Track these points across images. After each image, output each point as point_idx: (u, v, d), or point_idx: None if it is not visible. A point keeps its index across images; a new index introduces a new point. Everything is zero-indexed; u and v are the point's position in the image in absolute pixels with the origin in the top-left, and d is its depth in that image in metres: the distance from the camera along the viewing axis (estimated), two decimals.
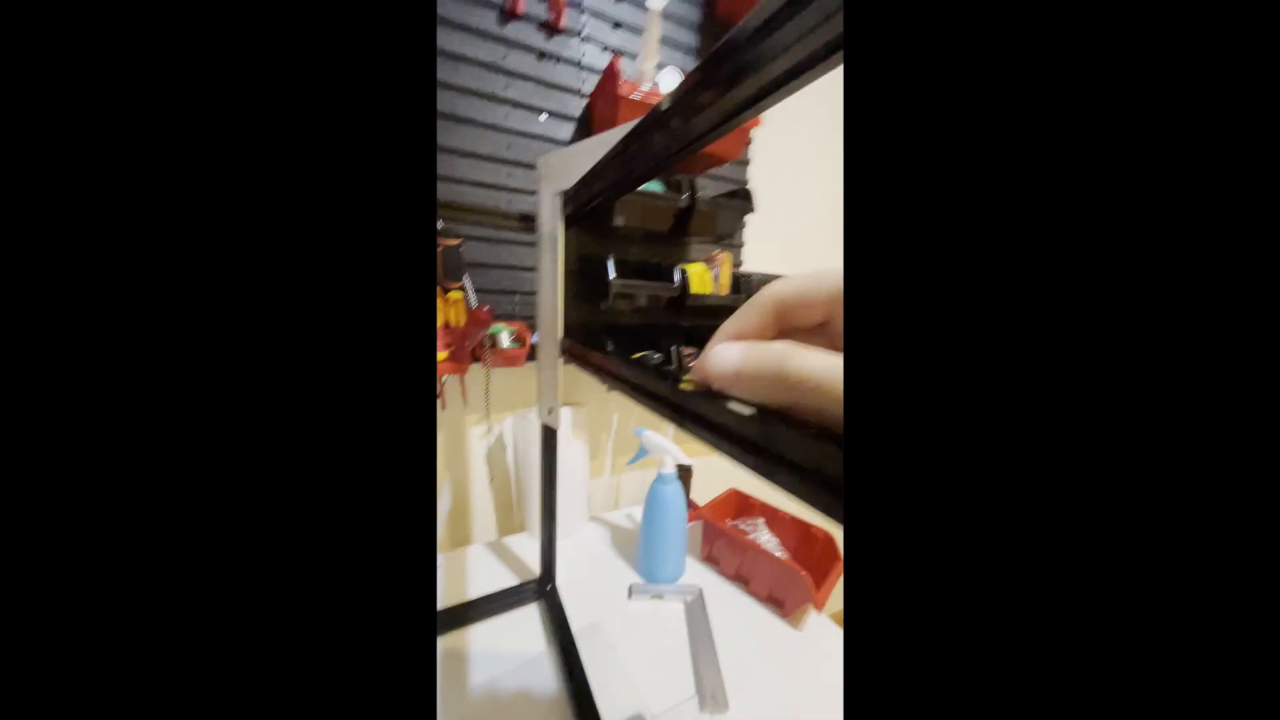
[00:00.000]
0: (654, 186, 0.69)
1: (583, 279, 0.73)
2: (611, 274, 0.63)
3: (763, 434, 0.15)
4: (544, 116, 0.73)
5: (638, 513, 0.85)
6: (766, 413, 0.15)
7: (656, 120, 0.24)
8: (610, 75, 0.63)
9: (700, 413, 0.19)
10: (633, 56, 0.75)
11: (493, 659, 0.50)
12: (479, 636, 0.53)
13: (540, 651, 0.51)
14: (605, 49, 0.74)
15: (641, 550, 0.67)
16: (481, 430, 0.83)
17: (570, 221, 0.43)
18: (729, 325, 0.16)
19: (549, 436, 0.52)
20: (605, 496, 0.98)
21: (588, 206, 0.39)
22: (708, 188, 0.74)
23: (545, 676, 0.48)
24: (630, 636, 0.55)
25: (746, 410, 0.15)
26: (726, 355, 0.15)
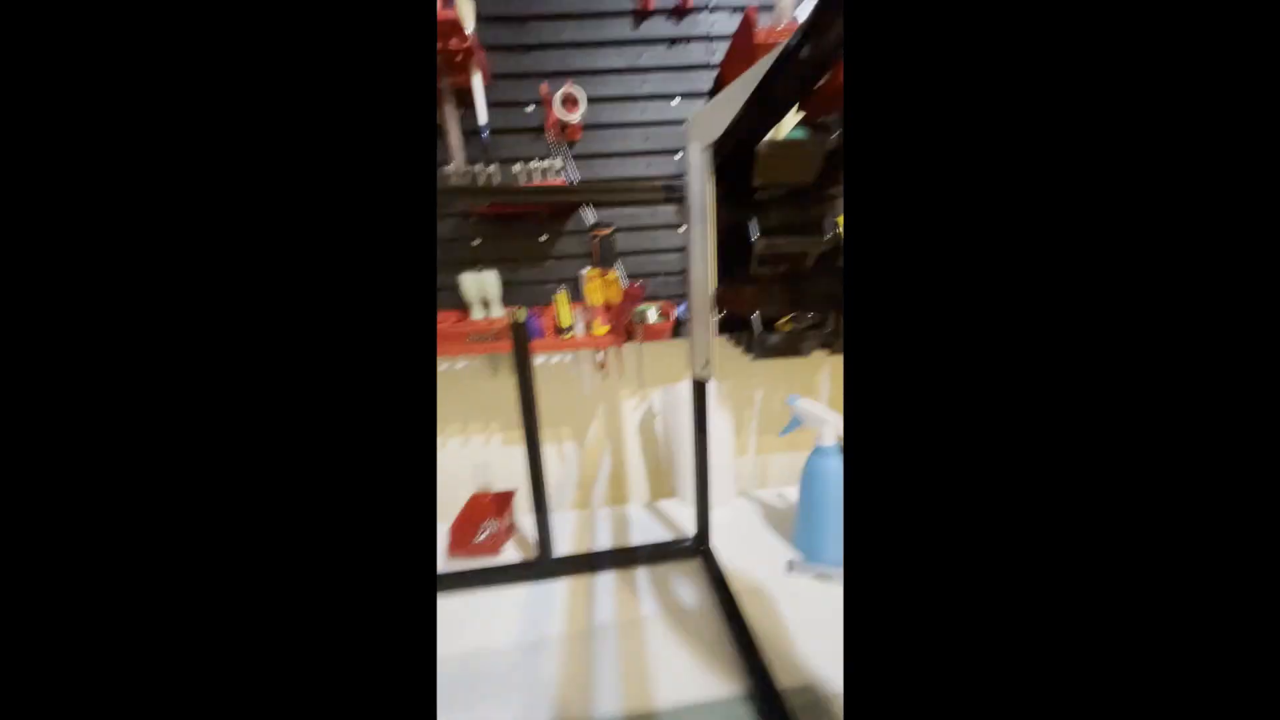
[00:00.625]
0: (798, 134, 0.63)
1: (725, 254, 0.73)
2: (754, 233, 0.61)
3: None
4: (675, 100, 0.76)
5: (789, 492, 0.80)
6: None
7: (792, 47, 0.22)
8: (745, 27, 0.61)
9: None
10: (769, 9, 0.71)
11: (659, 598, 0.55)
12: (644, 577, 0.59)
13: (702, 601, 0.54)
14: (735, 10, 0.73)
15: (799, 527, 0.63)
16: (634, 402, 0.92)
17: (717, 180, 0.44)
18: None
19: (701, 394, 0.54)
20: (751, 475, 0.95)
21: (733, 158, 0.39)
22: None
23: (706, 625, 0.50)
24: (795, 608, 0.52)
25: None
26: None
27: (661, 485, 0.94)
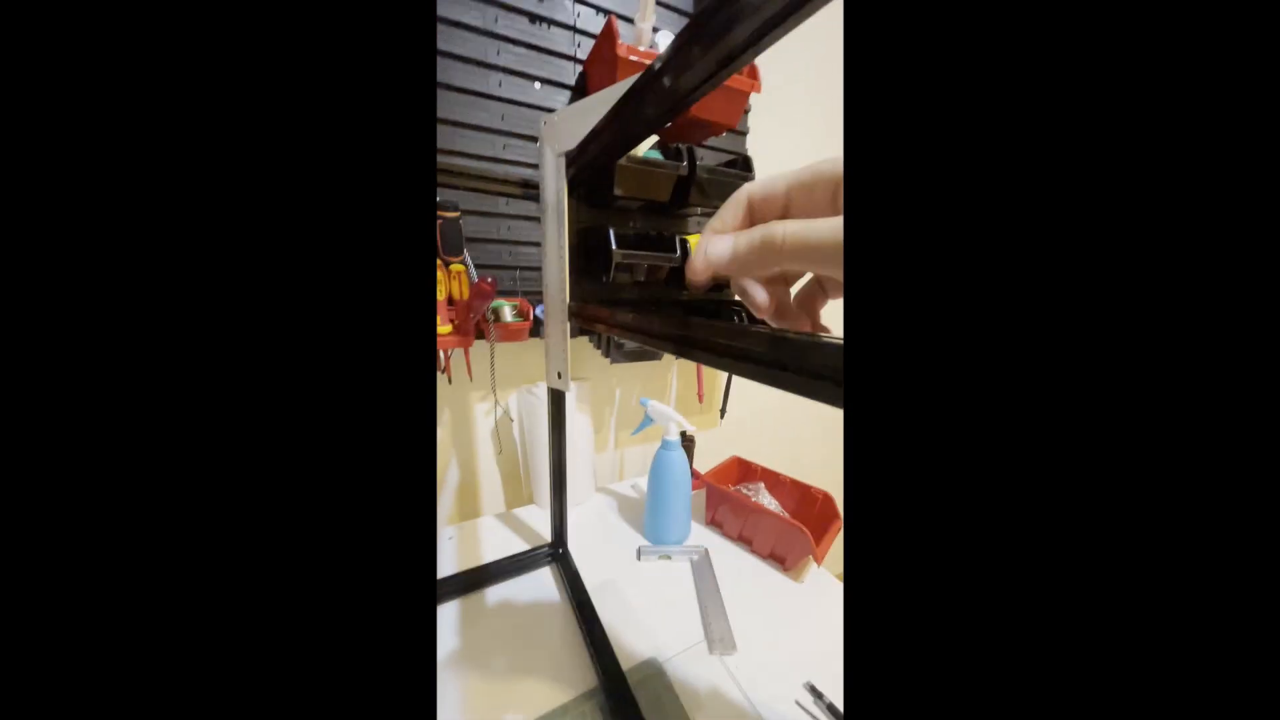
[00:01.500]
0: (653, 155, 0.68)
1: (583, 254, 0.73)
2: (613, 244, 0.63)
3: (770, 345, 0.16)
4: (538, 84, 0.71)
5: (642, 483, 0.88)
6: (767, 332, 0.16)
7: (654, 75, 0.24)
8: (607, 36, 0.61)
9: (709, 339, 0.20)
10: (629, 20, 0.73)
11: (512, 614, 0.52)
12: (496, 596, 0.55)
13: (557, 606, 0.54)
14: (600, 11, 0.72)
15: (648, 515, 0.69)
16: (486, 407, 0.85)
17: (571, 189, 0.43)
18: (713, 223, 0.18)
19: (558, 401, 0.54)
20: (610, 469, 1.00)
21: (589, 168, 0.39)
22: (706, 158, 0.74)
23: (563, 629, 0.51)
24: (641, 592, 0.58)
25: (753, 330, 0.16)
26: (720, 243, 0.17)
27: (517, 493, 0.90)
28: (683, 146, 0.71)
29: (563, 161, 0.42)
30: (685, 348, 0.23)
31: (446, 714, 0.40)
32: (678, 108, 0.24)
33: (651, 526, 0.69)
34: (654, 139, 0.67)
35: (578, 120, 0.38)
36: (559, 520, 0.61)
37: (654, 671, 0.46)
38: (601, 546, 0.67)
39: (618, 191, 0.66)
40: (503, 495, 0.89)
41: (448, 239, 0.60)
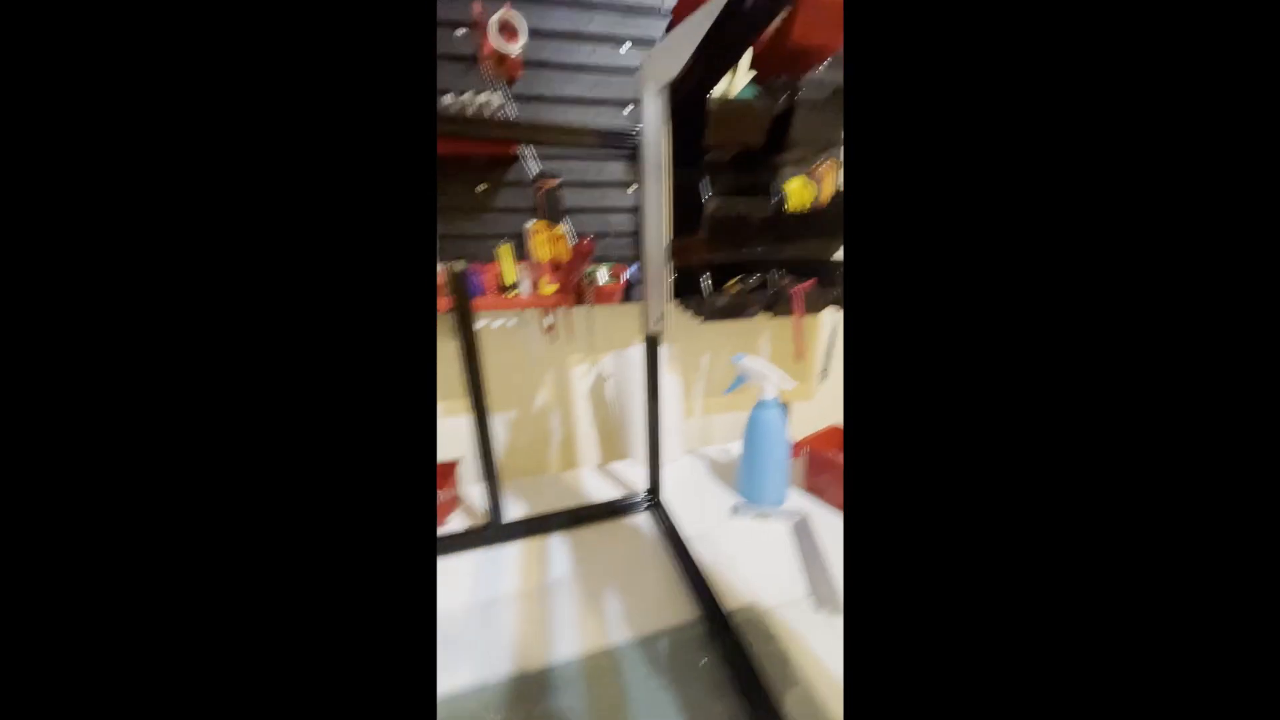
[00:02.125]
0: (748, 94, 0.64)
1: (676, 214, 0.72)
2: (706, 193, 0.61)
3: None
4: (626, 46, 0.71)
5: (733, 448, 0.86)
6: None
7: None
8: None
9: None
10: None
11: (613, 550, 0.56)
12: (599, 533, 0.60)
13: (655, 548, 0.56)
14: None
15: (743, 475, 0.68)
16: (583, 369, 0.91)
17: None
18: None
19: (653, 351, 0.55)
20: (697, 435, 1.00)
21: (683, 109, 0.38)
22: (809, 92, 0.67)
23: (662, 567, 0.53)
24: (738, 547, 0.57)
25: None
26: None
27: (612, 449, 0.95)
28: (780, 81, 0.65)
29: (665, 96, 0.42)
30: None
31: (560, 635, 0.45)
32: (766, 21, 0.22)
33: (747, 486, 0.67)
34: (749, 77, 0.62)
35: (674, 51, 0.38)
36: (655, 471, 0.63)
37: (754, 615, 0.45)
38: (694, 501, 0.68)
39: (710, 140, 0.64)
40: (599, 450, 0.95)
41: (551, 205, 0.65)
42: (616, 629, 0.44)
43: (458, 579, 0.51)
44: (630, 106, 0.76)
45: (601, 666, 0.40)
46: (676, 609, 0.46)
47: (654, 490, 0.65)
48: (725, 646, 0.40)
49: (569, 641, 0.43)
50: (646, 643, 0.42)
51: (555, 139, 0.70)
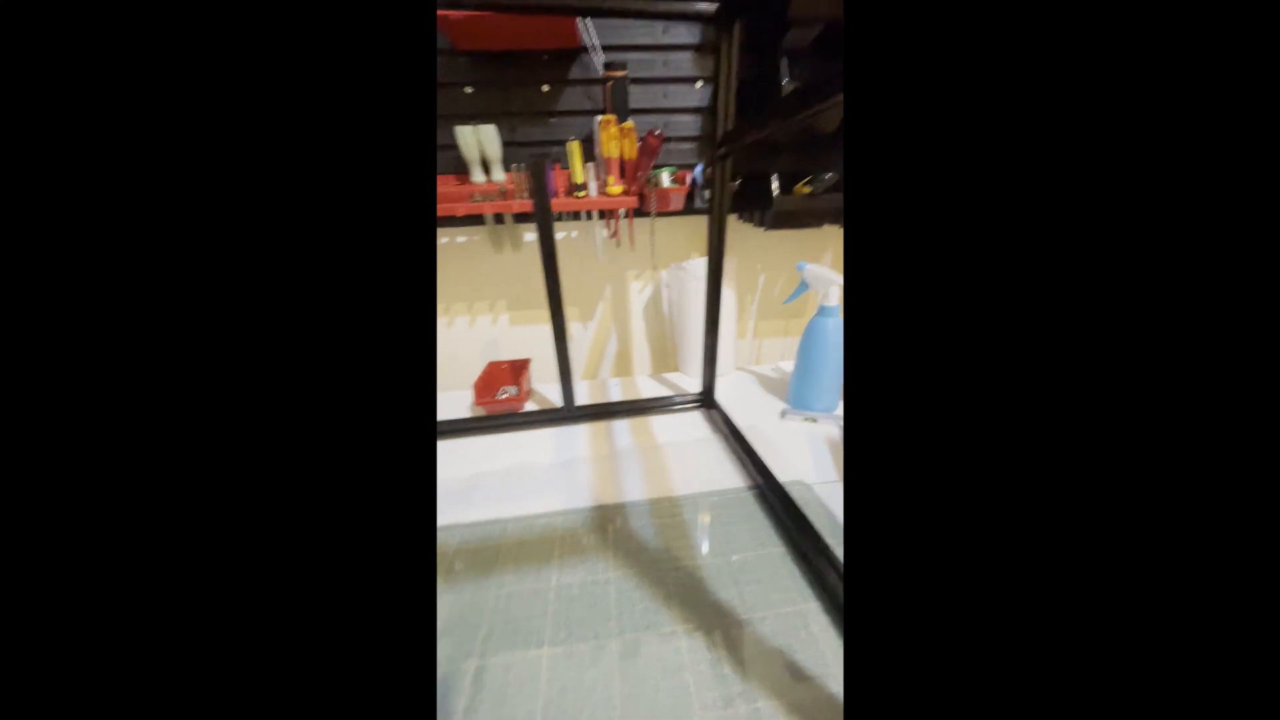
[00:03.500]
0: None
1: (743, 105, 0.68)
2: (785, 77, 0.56)
3: None
4: None
5: (785, 366, 0.87)
6: None
7: None
8: None
9: None
10: None
11: (670, 435, 0.62)
12: (656, 423, 0.66)
13: (710, 437, 0.62)
14: None
15: (794, 381, 0.70)
16: (639, 285, 0.93)
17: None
18: None
19: (717, 261, 0.55)
20: (749, 356, 1.02)
21: None
22: None
23: (718, 448, 0.58)
24: (788, 442, 0.61)
25: None
26: None
27: (664, 362, 1.00)
28: None
29: None
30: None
31: (629, 484, 0.52)
32: None
33: (798, 392, 0.70)
34: None
35: None
36: (710, 373, 0.67)
37: (804, 488, 0.50)
38: (745, 404, 0.72)
39: (793, 12, 0.57)
40: (651, 362, 1.01)
41: (618, 98, 0.63)
42: (678, 485, 0.51)
43: (539, 446, 0.60)
44: None
45: (665, 508, 0.47)
46: (729, 477, 0.52)
47: (709, 391, 0.69)
48: (777, 502, 0.46)
49: (637, 490, 0.50)
50: (704, 496, 0.49)
51: (621, 6, 0.65)
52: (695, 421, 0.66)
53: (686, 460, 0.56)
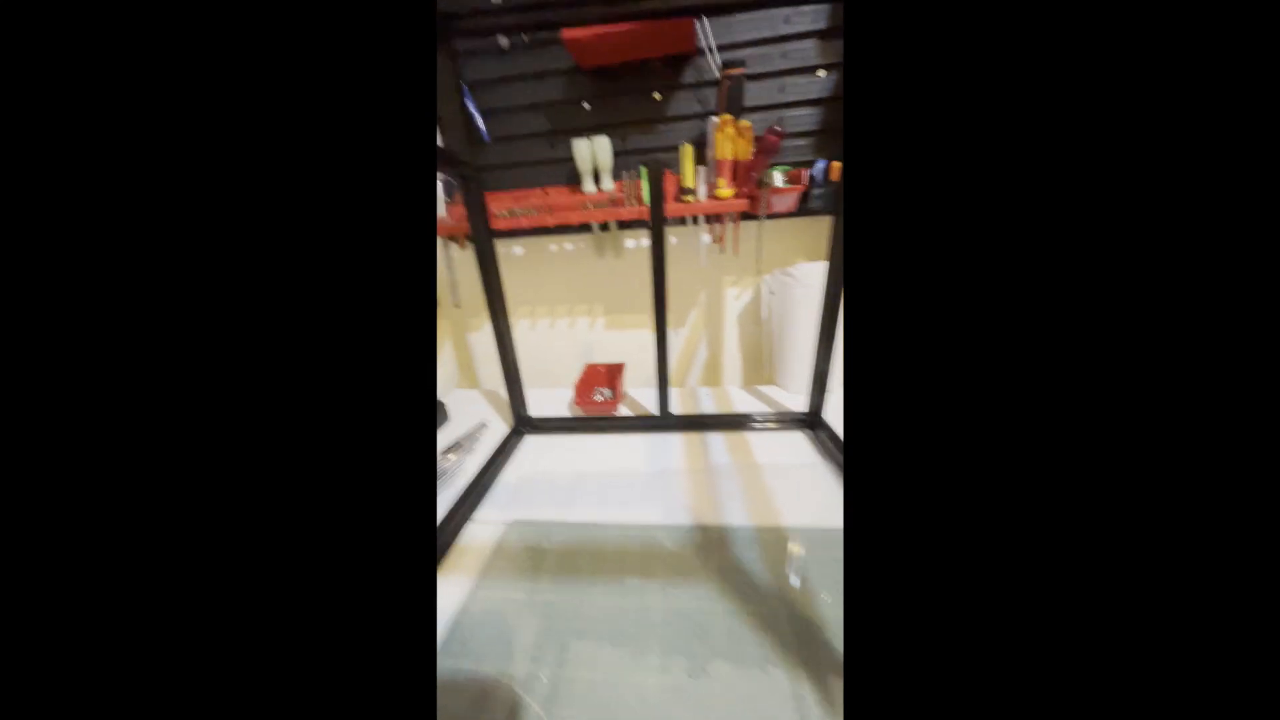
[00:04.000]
0: None
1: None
2: None
3: None
4: None
5: None
6: None
7: None
8: None
9: None
10: None
11: (768, 455, 0.58)
12: (753, 440, 0.62)
13: (815, 462, 0.56)
14: None
15: None
16: (736, 291, 0.89)
17: None
18: None
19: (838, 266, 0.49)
20: None
21: None
22: None
23: (828, 479, 0.52)
24: None
25: None
26: None
27: (756, 374, 0.94)
28: None
29: None
30: None
31: (731, 505, 0.49)
32: None
33: None
34: None
35: None
36: (820, 388, 0.60)
37: None
38: None
39: None
40: (742, 373, 0.96)
41: (733, 97, 0.61)
42: (785, 514, 0.46)
43: (635, 451, 0.61)
44: None
45: (771, 539, 0.43)
46: (834, 515, 0.46)
47: (816, 410, 0.62)
48: None
49: (739, 513, 0.47)
50: (815, 533, 0.44)
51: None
52: (799, 443, 0.60)
53: (793, 486, 0.51)
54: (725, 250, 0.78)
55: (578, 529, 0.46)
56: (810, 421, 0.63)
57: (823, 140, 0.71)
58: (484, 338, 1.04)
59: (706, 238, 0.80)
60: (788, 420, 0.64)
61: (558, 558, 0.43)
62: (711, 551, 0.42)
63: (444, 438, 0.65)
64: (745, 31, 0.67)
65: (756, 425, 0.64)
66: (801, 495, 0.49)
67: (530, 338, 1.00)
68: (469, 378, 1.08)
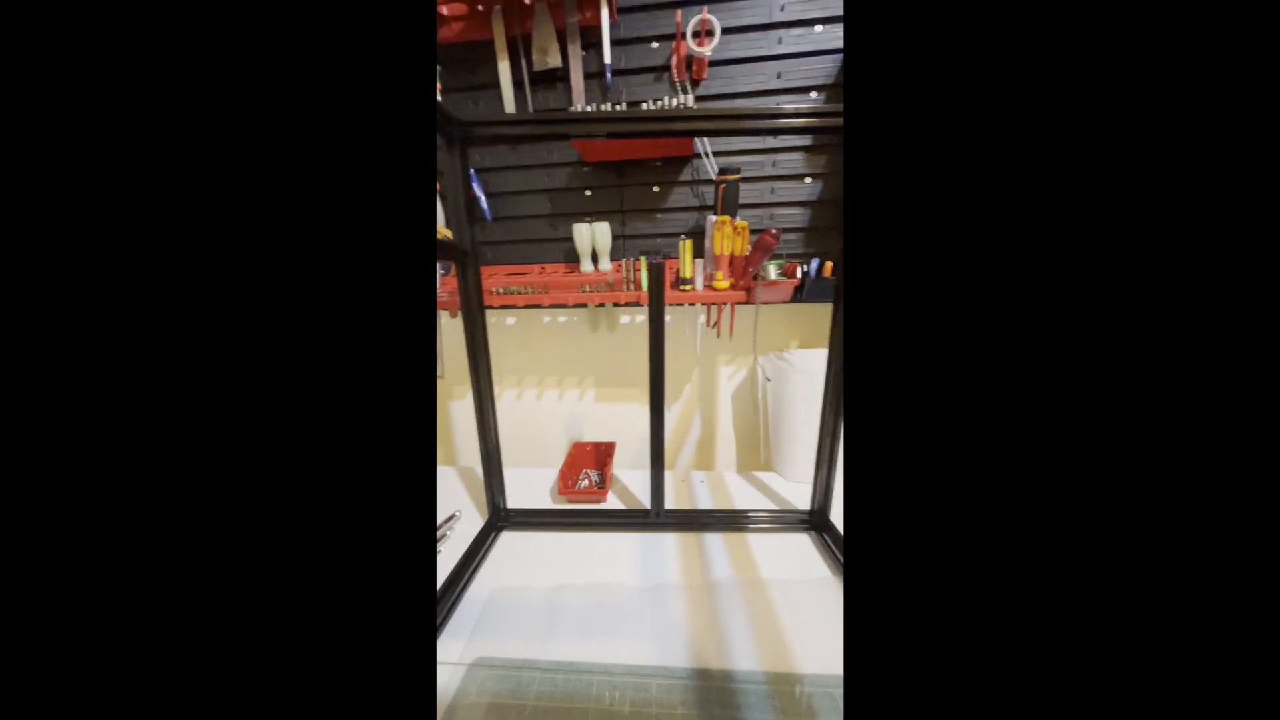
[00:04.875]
0: None
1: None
2: None
3: None
4: (819, 28, 0.67)
5: None
6: None
7: None
8: None
9: None
10: None
11: (773, 567, 0.52)
12: (751, 547, 0.56)
13: (827, 575, 0.50)
14: None
15: None
16: (730, 371, 0.88)
17: None
18: None
19: (838, 353, 0.49)
20: None
21: None
22: None
23: (836, 601, 0.46)
24: None
25: None
26: None
27: (751, 457, 0.90)
28: None
29: None
30: None
31: (736, 640, 0.42)
32: None
33: None
34: None
35: None
36: (826, 488, 0.57)
37: None
38: None
39: None
40: (735, 457, 0.92)
41: (728, 198, 0.65)
42: (800, 657, 0.40)
43: (624, 556, 0.54)
44: (815, 93, 0.71)
45: (787, 693, 0.36)
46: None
47: (822, 510, 0.58)
48: None
49: (746, 652, 0.40)
50: (838, 683, 0.37)
51: (739, 126, 0.69)
52: (804, 548, 0.55)
53: (804, 614, 0.44)
54: (721, 335, 0.79)
55: (556, 676, 0.38)
56: (815, 523, 0.58)
57: (810, 236, 0.76)
58: (464, 408, 0.98)
59: (702, 319, 0.81)
60: (791, 520, 0.59)
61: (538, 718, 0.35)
62: (713, 709, 0.35)
63: None
64: (739, 142, 0.74)
65: (758, 525, 0.59)
66: (817, 626, 0.43)
67: (516, 409, 0.95)
68: (446, 451, 1.01)
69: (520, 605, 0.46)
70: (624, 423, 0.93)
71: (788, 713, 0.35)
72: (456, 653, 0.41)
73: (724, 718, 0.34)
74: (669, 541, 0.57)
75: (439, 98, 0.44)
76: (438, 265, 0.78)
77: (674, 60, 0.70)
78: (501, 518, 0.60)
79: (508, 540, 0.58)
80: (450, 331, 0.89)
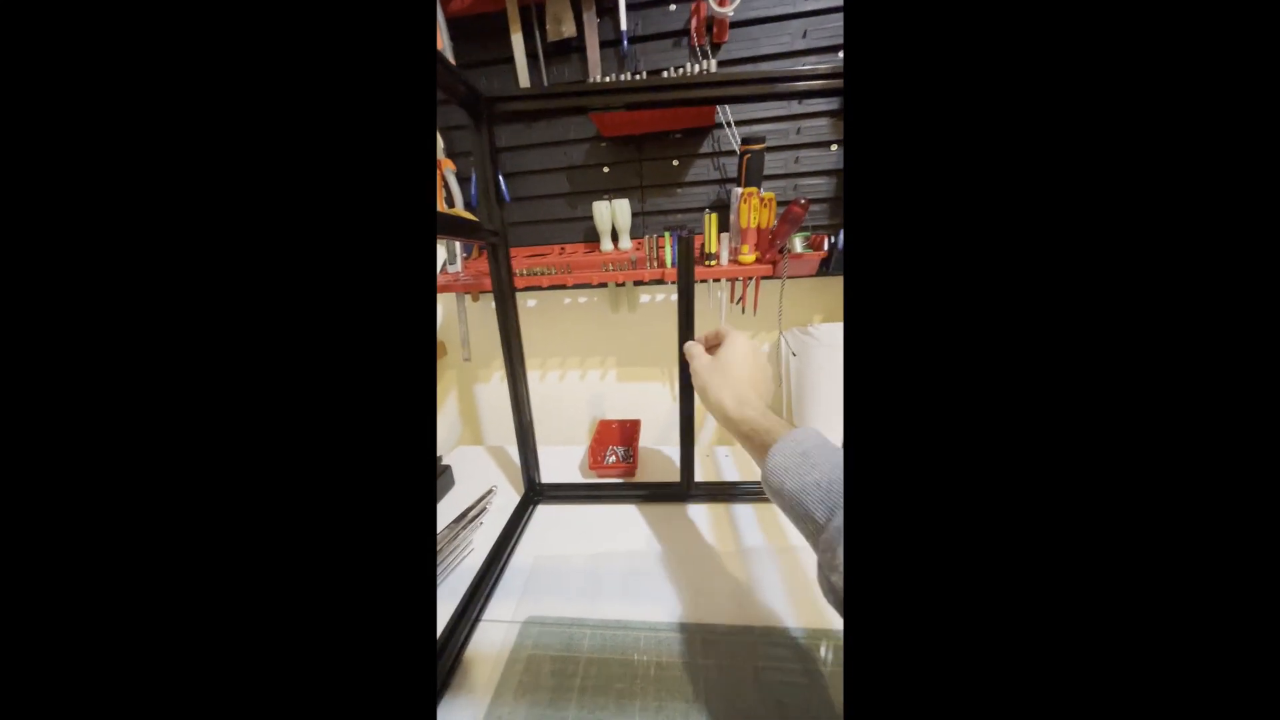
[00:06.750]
0: None
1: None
2: None
3: None
4: None
5: None
6: None
7: None
8: None
9: None
10: None
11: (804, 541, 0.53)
12: (780, 517, 0.57)
13: None
14: None
15: None
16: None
17: None
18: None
19: None
20: None
21: None
22: None
23: None
24: None
25: None
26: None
27: None
28: None
29: None
30: None
31: (774, 600, 0.44)
32: None
33: None
34: None
35: None
36: None
37: None
38: None
39: None
40: None
41: (752, 169, 0.63)
42: (831, 615, 0.41)
43: (658, 525, 0.56)
44: (840, 53, 0.68)
45: (818, 646, 0.38)
46: None
47: None
48: None
49: (784, 612, 0.42)
50: None
51: (766, 91, 0.66)
52: None
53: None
54: (745, 310, 0.78)
55: (604, 632, 0.41)
56: None
57: (836, 207, 0.74)
58: (490, 390, 1.00)
59: (723, 294, 0.80)
60: None
61: (585, 670, 0.37)
62: (757, 660, 0.37)
63: (451, 507, 0.60)
64: (763, 109, 0.71)
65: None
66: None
67: (539, 389, 0.97)
68: (473, 431, 1.04)
69: (564, 571, 0.49)
70: (648, 399, 0.94)
71: (823, 663, 0.37)
72: (509, 613, 0.43)
73: (767, 667, 0.36)
74: (700, 512, 0.58)
75: (460, 75, 0.43)
76: (457, 248, 0.79)
77: (694, 23, 0.67)
78: (537, 492, 0.62)
79: (544, 513, 0.60)
80: (474, 314, 0.90)
